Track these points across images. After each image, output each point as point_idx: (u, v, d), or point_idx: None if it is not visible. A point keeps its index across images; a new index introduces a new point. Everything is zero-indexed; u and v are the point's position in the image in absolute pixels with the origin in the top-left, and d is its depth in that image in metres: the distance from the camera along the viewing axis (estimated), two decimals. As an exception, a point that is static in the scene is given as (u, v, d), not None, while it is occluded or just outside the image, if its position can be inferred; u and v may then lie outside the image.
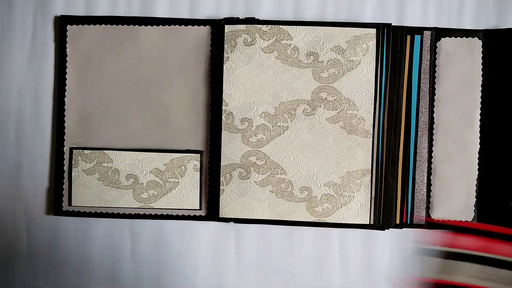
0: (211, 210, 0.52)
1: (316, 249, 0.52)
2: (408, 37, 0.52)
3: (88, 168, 0.51)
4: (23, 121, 0.52)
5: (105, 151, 0.51)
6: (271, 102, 0.51)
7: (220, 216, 0.52)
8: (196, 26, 0.52)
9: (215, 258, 0.53)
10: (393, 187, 0.51)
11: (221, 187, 0.51)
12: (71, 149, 0.52)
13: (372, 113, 0.51)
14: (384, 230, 0.52)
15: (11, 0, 0.52)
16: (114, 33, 0.52)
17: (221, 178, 0.51)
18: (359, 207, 0.51)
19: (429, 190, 0.52)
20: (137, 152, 0.51)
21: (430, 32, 0.52)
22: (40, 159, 0.52)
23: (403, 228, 0.52)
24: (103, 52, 0.52)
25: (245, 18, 0.51)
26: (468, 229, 0.30)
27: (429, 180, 0.52)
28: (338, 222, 0.51)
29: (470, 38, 0.51)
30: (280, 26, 0.51)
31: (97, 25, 0.52)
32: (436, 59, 0.52)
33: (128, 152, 0.51)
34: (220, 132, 0.51)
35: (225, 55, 0.51)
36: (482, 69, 0.51)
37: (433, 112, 0.52)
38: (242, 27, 0.51)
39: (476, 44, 0.51)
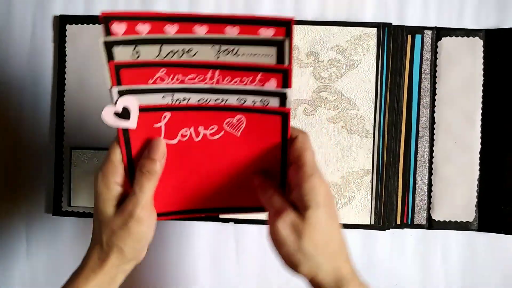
0: (211, 210, 0.52)
1: (316, 250, 0.52)
2: (409, 36, 0.51)
3: (87, 168, 0.51)
4: (22, 120, 0.52)
5: (105, 151, 0.51)
6: (271, 102, 0.51)
7: (220, 216, 0.51)
8: (196, 25, 0.51)
9: (215, 258, 0.53)
10: (394, 187, 0.51)
11: (221, 187, 0.51)
12: (71, 149, 0.52)
13: (373, 113, 0.51)
14: (384, 230, 0.51)
15: (10, 0, 0.52)
16: (113, 32, 0.52)
17: (221, 178, 0.51)
18: (360, 207, 0.51)
19: (430, 190, 0.52)
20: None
21: (431, 31, 0.51)
22: (40, 159, 0.52)
23: (404, 229, 0.52)
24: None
25: (245, 17, 0.51)
26: None
27: (430, 180, 0.52)
28: (339, 222, 0.51)
29: (471, 37, 0.51)
30: (280, 25, 0.51)
31: (97, 24, 0.51)
32: (437, 58, 0.51)
33: (128, 152, 0.51)
34: (220, 132, 0.51)
35: (225, 54, 0.51)
36: (483, 69, 0.51)
37: (434, 112, 0.51)
38: (242, 26, 0.51)
39: (477, 43, 0.51)
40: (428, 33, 0.51)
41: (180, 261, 0.53)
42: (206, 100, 0.33)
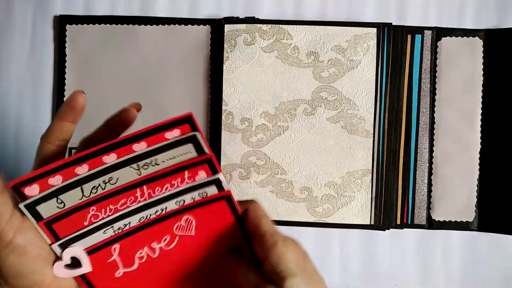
0: (211, 210, 0.52)
1: (316, 250, 0.52)
2: (409, 36, 0.51)
3: (87, 168, 0.51)
4: (22, 121, 0.52)
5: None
6: (271, 102, 0.51)
7: None
8: (195, 25, 0.51)
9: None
10: (394, 187, 0.51)
11: (221, 187, 0.51)
12: (70, 149, 0.51)
13: (373, 113, 0.51)
14: (384, 230, 0.51)
15: (10, 0, 0.52)
16: (113, 32, 0.52)
17: (221, 178, 0.51)
18: (360, 207, 0.51)
19: (429, 190, 0.52)
20: (136, 152, 0.51)
21: (431, 31, 0.51)
22: (40, 159, 0.52)
23: (404, 229, 0.52)
24: (103, 51, 0.52)
25: (245, 17, 0.51)
26: None
27: (429, 180, 0.52)
28: (339, 222, 0.51)
29: (471, 37, 0.51)
30: (280, 25, 0.51)
31: (97, 24, 0.52)
32: (437, 58, 0.51)
33: (128, 152, 0.51)
34: (220, 132, 0.51)
35: (225, 54, 0.51)
36: (483, 69, 0.51)
37: (434, 112, 0.52)
38: (242, 26, 0.51)
39: (477, 43, 0.51)
40: (428, 33, 0.51)
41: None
42: (147, 217, 0.33)
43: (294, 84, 0.51)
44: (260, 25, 0.51)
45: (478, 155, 0.51)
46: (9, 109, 0.52)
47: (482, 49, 0.51)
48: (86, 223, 0.32)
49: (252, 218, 0.33)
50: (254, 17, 0.51)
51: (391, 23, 0.51)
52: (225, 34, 0.51)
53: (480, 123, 0.51)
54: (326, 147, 0.51)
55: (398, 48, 0.51)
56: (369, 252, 0.52)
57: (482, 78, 0.51)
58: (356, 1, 0.52)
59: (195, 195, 0.33)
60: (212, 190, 0.33)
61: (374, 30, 0.51)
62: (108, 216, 0.32)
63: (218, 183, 0.32)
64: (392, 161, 0.51)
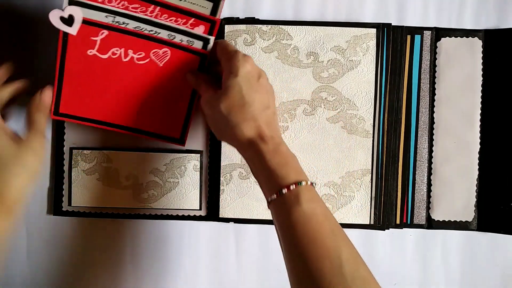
0: (211, 210, 0.52)
1: (316, 249, 0.52)
2: (408, 37, 0.51)
3: (88, 168, 0.51)
4: (23, 121, 0.52)
5: (105, 151, 0.51)
6: (271, 102, 0.51)
7: (220, 216, 0.52)
8: (196, 26, 0.51)
9: (215, 258, 0.53)
10: (393, 187, 0.51)
11: (221, 187, 0.51)
12: (71, 149, 0.52)
13: (372, 113, 0.51)
14: (384, 230, 0.52)
15: (11, 0, 0.52)
16: (114, 33, 0.52)
17: (221, 178, 0.51)
18: (359, 207, 0.51)
19: (429, 190, 0.52)
20: (137, 152, 0.51)
21: (430, 32, 0.52)
22: (40, 159, 0.52)
23: (403, 228, 0.52)
24: (103, 52, 0.52)
25: (245, 18, 0.51)
26: None
27: (429, 180, 0.52)
28: (339, 222, 0.51)
29: (470, 38, 0.51)
30: (280, 26, 0.51)
31: (97, 25, 0.52)
32: (436, 59, 0.52)
33: (128, 152, 0.51)
34: (220, 132, 0.51)
35: (225, 55, 0.51)
36: (483, 69, 0.51)
37: (433, 112, 0.52)
38: (242, 27, 0.51)
39: (477, 44, 0.51)
40: (427, 34, 0.52)
41: (180, 261, 0.53)
42: (142, 29, 0.40)
43: (294, 84, 0.51)
44: (260, 25, 0.51)
45: (478, 155, 0.51)
46: (10, 109, 0.52)
47: (482, 49, 0.51)
48: (100, 0, 0.39)
49: (220, 49, 0.41)
50: (254, 17, 0.51)
51: (390, 24, 0.51)
52: (225, 34, 0.51)
53: (479, 123, 0.51)
54: (326, 147, 0.51)
55: (398, 49, 0.51)
56: (368, 252, 0.52)
57: (482, 78, 0.51)
58: (356, 2, 0.52)
59: (184, 39, 0.41)
60: (198, 44, 0.41)
61: (374, 30, 0.51)
62: (118, 8, 0.39)
63: (206, 42, 0.41)
64: (391, 161, 0.51)
